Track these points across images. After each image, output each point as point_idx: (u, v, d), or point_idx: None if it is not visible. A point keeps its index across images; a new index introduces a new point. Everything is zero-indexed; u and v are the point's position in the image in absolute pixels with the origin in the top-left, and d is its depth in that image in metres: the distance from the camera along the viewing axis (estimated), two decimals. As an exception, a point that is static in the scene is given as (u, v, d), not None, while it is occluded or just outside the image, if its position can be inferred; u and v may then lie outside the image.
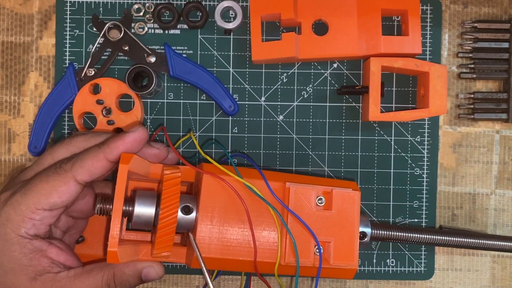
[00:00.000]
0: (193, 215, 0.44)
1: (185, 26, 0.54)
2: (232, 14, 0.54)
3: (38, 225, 0.42)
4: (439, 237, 0.49)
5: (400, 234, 0.49)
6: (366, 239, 0.48)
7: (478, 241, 0.50)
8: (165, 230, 0.42)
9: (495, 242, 0.50)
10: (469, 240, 0.50)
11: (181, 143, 0.54)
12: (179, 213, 0.43)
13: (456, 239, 0.50)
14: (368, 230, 0.48)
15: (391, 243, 0.54)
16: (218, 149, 0.54)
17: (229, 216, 0.44)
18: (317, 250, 0.44)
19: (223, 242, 0.44)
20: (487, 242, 0.50)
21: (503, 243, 0.50)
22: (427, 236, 0.49)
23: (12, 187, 0.44)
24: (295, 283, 0.44)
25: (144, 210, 0.43)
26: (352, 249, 0.45)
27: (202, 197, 0.44)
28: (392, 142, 0.54)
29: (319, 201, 0.45)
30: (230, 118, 0.54)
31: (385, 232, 0.49)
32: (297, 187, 0.45)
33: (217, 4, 0.53)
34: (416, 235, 0.49)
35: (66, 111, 0.53)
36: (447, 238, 0.50)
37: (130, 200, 0.44)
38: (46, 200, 0.41)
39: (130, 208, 0.43)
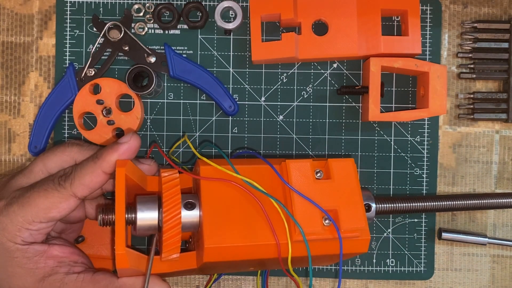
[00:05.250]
0: (197, 212, 0.43)
1: (185, 26, 0.54)
2: (232, 14, 0.54)
3: (35, 234, 0.42)
4: (442, 203, 0.50)
5: (403, 205, 0.49)
6: (372, 211, 0.47)
7: (480, 201, 0.50)
8: (172, 232, 0.41)
9: (498, 200, 0.50)
10: (473, 201, 0.50)
11: (179, 145, 0.54)
12: (183, 212, 0.43)
13: (460, 202, 0.50)
14: (372, 203, 0.48)
15: (391, 239, 0.54)
16: (215, 149, 0.54)
17: (234, 211, 0.43)
18: (326, 221, 0.43)
19: (233, 241, 0.42)
20: (488, 201, 0.50)
21: (507, 200, 0.50)
22: (431, 203, 0.49)
23: (6, 196, 0.43)
24: (308, 261, 0.43)
25: (147, 215, 0.43)
26: (360, 212, 0.44)
27: (203, 195, 0.43)
28: (392, 142, 0.54)
29: (318, 174, 0.45)
30: (230, 118, 0.54)
31: (389, 205, 0.49)
32: (295, 163, 0.45)
33: (217, 4, 0.53)
34: (419, 203, 0.49)
35: (66, 111, 0.53)
36: (451, 202, 0.50)
37: (131, 207, 0.43)
38: (44, 215, 0.42)
39: (133, 215, 0.43)
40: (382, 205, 0.49)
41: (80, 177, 0.42)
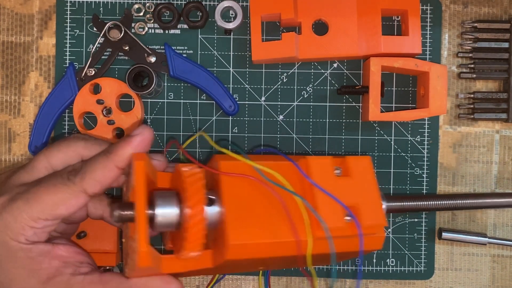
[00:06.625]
0: (217, 209, 0.42)
1: (185, 26, 0.54)
2: (232, 14, 0.54)
3: (39, 233, 0.40)
4: (452, 201, 0.49)
5: (414, 203, 0.49)
6: (383, 210, 0.47)
7: (487, 200, 0.50)
8: (196, 228, 0.39)
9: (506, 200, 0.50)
10: (482, 200, 0.50)
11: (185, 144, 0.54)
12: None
13: (469, 201, 0.50)
14: (384, 202, 0.47)
15: (391, 239, 0.54)
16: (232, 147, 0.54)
17: (256, 207, 0.41)
18: (347, 218, 0.43)
19: (257, 238, 0.41)
20: (497, 200, 0.50)
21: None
22: (441, 202, 0.49)
23: (8, 192, 0.41)
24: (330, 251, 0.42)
25: (166, 210, 0.40)
26: (379, 210, 0.44)
27: (225, 191, 0.41)
28: (392, 142, 0.54)
29: (337, 171, 0.44)
30: (230, 118, 0.54)
31: (400, 204, 0.49)
32: (315, 159, 0.44)
33: (217, 4, 0.53)
34: (430, 202, 0.49)
35: (66, 111, 0.53)
36: (462, 201, 0.50)
37: (149, 203, 0.41)
38: (51, 212, 0.39)
39: (151, 211, 0.40)
40: (393, 204, 0.48)
41: (91, 172, 0.40)
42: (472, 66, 0.54)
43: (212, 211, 0.41)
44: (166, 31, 0.54)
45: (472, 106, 0.54)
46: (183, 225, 0.40)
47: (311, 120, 0.54)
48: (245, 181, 0.42)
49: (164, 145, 0.54)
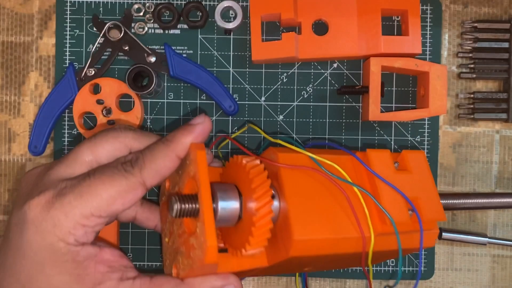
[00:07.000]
0: (276, 203, 0.39)
1: (185, 26, 0.54)
2: (232, 14, 0.54)
3: (89, 232, 0.36)
4: (453, 201, 0.50)
5: (452, 202, 0.49)
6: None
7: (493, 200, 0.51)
8: (263, 221, 0.37)
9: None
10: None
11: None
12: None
13: (469, 201, 0.50)
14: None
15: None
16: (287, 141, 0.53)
17: (318, 202, 0.40)
18: (410, 212, 0.42)
19: (321, 233, 0.39)
20: (497, 201, 0.51)
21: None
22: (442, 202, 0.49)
23: (52, 187, 0.36)
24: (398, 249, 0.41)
25: (228, 204, 0.38)
26: (438, 203, 0.43)
27: (286, 185, 0.39)
28: (392, 142, 0.54)
29: (395, 165, 0.44)
30: (230, 118, 0.54)
31: (454, 201, 0.49)
32: (376, 152, 0.43)
33: (217, 4, 0.53)
34: (466, 200, 0.49)
35: (66, 111, 0.53)
36: (463, 201, 0.50)
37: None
38: (107, 207, 0.35)
39: (214, 205, 0.38)
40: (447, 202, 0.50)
41: (151, 161, 0.37)
42: (472, 66, 0.54)
43: (273, 205, 0.39)
44: (166, 31, 0.54)
45: (472, 106, 0.54)
46: (245, 219, 0.38)
47: (311, 120, 0.54)
48: (304, 173, 0.40)
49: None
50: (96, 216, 0.35)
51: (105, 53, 0.53)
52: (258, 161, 0.40)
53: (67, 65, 0.53)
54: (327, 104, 0.54)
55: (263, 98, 0.54)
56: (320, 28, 0.52)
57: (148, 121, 0.54)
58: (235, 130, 0.54)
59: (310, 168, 0.40)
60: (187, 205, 0.37)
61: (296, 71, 0.54)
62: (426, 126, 0.54)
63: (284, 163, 0.40)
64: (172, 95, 0.54)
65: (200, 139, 0.39)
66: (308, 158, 0.41)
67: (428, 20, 0.54)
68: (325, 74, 0.54)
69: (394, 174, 0.43)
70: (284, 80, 0.54)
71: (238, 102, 0.54)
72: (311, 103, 0.54)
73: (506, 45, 0.53)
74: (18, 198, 0.39)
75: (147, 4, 0.53)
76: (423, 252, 0.54)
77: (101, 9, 0.54)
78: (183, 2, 0.53)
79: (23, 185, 0.40)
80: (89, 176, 0.36)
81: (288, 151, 0.41)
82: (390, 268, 0.54)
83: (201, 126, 0.39)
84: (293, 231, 0.38)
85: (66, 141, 0.53)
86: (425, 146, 0.54)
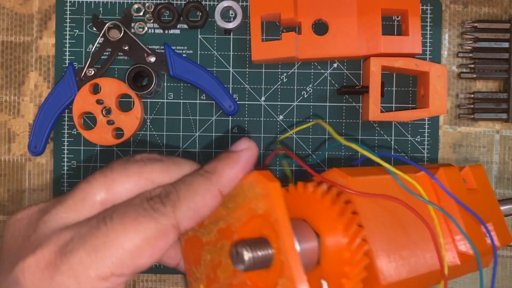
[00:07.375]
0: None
1: (185, 26, 0.54)
2: (232, 14, 0.54)
3: None
4: None
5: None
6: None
7: None
8: (358, 258, 0.31)
9: None
10: None
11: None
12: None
13: None
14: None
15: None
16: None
17: (395, 233, 0.34)
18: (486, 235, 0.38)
19: (408, 272, 0.34)
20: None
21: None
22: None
23: (50, 241, 0.27)
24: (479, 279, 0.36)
25: (307, 245, 0.31)
26: (505, 226, 0.39)
27: (363, 216, 0.33)
28: (392, 142, 0.54)
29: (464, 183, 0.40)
30: (230, 118, 0.54)
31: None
32: (447, 170, 0.38)
33: (217, 4, 0.53)
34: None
35: (66, 111, 0.53)
36: None
37: None
38: (132, 261, 0.27)
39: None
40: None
41: (187, 198, 0.29)
42: (472, 66, 0.54)
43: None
44: (166, 31, 0.54)
45: (472, 106, 0.54)
46: (327, 260, 0.32)
47: (311, 120, 0.54)
48: (377, 200, 0.34)
49: (164, 146, 0.54)
50: (117, 276, 0.27)
51: (105, 53, 0.53)
52: (325, 188, 0.33)
53: (67, 65, 0.53)
54: (327, 104, 0.54)
55: (263, 98, 0.54)
56: (320, 28, 0.52)
57: (148, 121, 0.54)
58: (235, 130, 0.54)
59: (396, 199, 0.34)
60: (261, 252, 0.28)
61: (296, 71, 0.54)
62: (426, 126, 0.54)
63: (355, 189, 0.33)
64: (172, 95, 0.54)
65: (247, 170, 0.31)
66: (376, 181, 0.35)
67: (428, 20, 0.54)
68: (325, 74, 0.54)
69: (467, 196, 0.38)
70: (284, 80, 0.54)
71: (238, 102, 0.54)
72: (311, 103, 0.54)
73: (506, 45, 0.53)
74: (3, 256, 0.29)
75: (147, 4, 0.53)
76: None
77: (101, 9, 0.54)
78: (183, 2, 0.53)
79: (7, 238, 0.30)
80: (105, 221, 0.27)
81: (356, 173, 0.34)
82: None
83: (248, 153, 0.31)
84: (380, 274, 0.32)
85: (66, 141, 0.53)
86: (425, 146, 0.54)
